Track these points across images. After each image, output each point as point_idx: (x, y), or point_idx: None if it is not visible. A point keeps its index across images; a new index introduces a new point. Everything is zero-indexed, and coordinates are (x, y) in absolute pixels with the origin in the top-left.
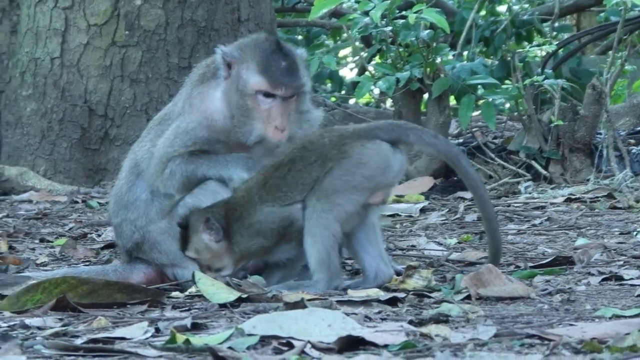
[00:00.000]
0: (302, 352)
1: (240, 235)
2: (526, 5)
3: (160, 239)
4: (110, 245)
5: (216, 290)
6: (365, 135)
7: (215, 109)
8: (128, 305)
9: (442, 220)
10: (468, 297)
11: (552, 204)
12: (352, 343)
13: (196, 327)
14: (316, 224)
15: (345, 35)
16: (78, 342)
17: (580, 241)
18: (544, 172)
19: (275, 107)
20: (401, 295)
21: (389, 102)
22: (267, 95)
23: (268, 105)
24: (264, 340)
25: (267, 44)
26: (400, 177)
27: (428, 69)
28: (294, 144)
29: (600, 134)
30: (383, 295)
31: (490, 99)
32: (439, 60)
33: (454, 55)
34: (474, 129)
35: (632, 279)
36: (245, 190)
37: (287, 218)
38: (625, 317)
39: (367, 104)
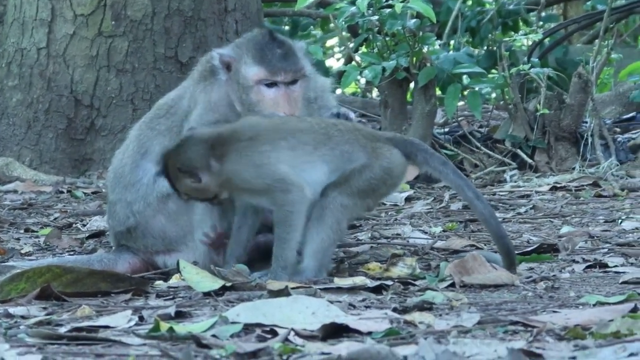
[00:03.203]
0: (286, 339)
1: (238, 156)
2: None
3: (156, 224)
4: (95, 235)
5: (200, 279)
6: (390, 142)
7: (219, 99)
8: (112, 294)
9: (427, 209)
10: (452, 285)
11: (537, 192)
12: (335, 330)
13: (180, 316)
14: (330, 215)
15: (332, 25)
16: (62, 330)
17: (565, 229)
18: (529, 160)
19: (279, 95)
20: (386, 283)
21: (375, 92)
22: (269, 84)
23: (272, 95)
24: (248, 328)
25: (260, 36)
26: None
27: (414, 58)
28: (328, 119)
29: (586, 122)
30: (369, 283)
31: (477, 88)
32: (425, 49)
33: (440, 45)
34: (459, 118)
35: (616, 266)
36: (271, 125)
37: (284, 179)
38: (609, 304)
39: (353, 94)
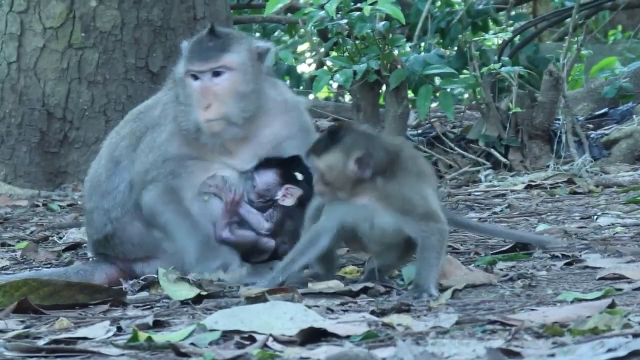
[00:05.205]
0: (265, 345)
1: (389, 188)
2: None
3: (134, 231)
4: (71, 247)
5: (178, 287)
6: None
7: (185, 117)
8: (90, 306)
9: None
10: None
11: (512, 191)
12: (314, 335)
13: (158, 325)
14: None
15: (302, 30)
16: (40, 343)
17: (541, 227)
18: (503, 159)
19: (200, 86)
20: (362, 285)
21: (348, 96)
22: (195, 77)
23: (196, 87)
24: (226, 335)
25: (201, 33)
26: None
27: (385, 61)
28: None
29: (559, 119)
30: (344, 286)
31: (448, 89)
32: (395, 51)
33: (410, 47)
34: (432, 119)
35: (593, 262)
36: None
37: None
38: (586, 300)
39: (326, 99)
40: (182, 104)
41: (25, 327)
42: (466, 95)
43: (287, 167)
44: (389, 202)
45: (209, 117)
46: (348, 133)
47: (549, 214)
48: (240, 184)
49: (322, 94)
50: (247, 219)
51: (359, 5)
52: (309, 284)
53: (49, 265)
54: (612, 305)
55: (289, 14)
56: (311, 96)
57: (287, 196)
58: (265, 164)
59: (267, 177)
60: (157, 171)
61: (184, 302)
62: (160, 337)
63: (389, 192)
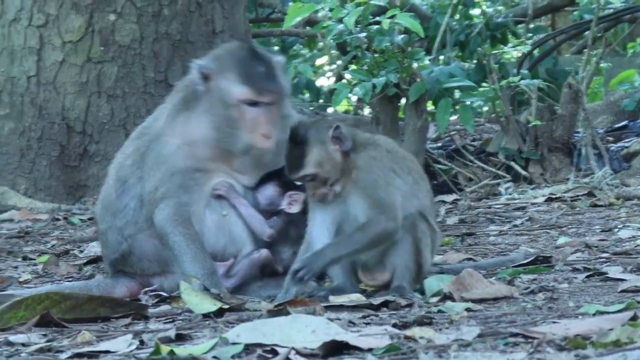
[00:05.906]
0: (287, 358)
1: (361, 159)
2: (500, 8)
3: (149, 247)
4: (93, 261)
5: (199, 301)
6: None
7: (199, 136)
8: (112, 319)
9: None
10: (446, 298)
11: (532, 204)
12: (336, 348)
13: (180, 338)
14: None
15: (321, 44)
16: (63, 357)
17: (562, 240)
18: (523, 172)
19: (260, 114)
20: (384, 298)
21: (367, 109)
22: (252, 103)
23: (254, 114)
24: (249, 348)
25: (243, 52)
26: None
27: (404, 74)
28: None
29: (579, 132)
30: (366, 299)
31: (468, 102)
32: (414, 65)
33: (430, 60)
34: (452, 132)
35: (615, 275)
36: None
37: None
38: (608, 313)
39: (345, 112)
40: (228, 127)
41: (47, 341)
42: (485, 108)
43: (284, 175)
44: (358, 177)
45: (270, 145)
46: (305, 128)
47: (569, 226)
48: (248, 197)
49: (342, 107)
50: (250, 223)
51: (377, 18)
52: (331, 297)
53: (70, 279)
54: (634, 318)
55: (307, 28)
56: (330, 109)
57: (293, 203)
58: (263, 179)
59: (268, 192)
60: (166, 186)
61: (206, 316)
62: (182, 350)
63: (359, 165)
